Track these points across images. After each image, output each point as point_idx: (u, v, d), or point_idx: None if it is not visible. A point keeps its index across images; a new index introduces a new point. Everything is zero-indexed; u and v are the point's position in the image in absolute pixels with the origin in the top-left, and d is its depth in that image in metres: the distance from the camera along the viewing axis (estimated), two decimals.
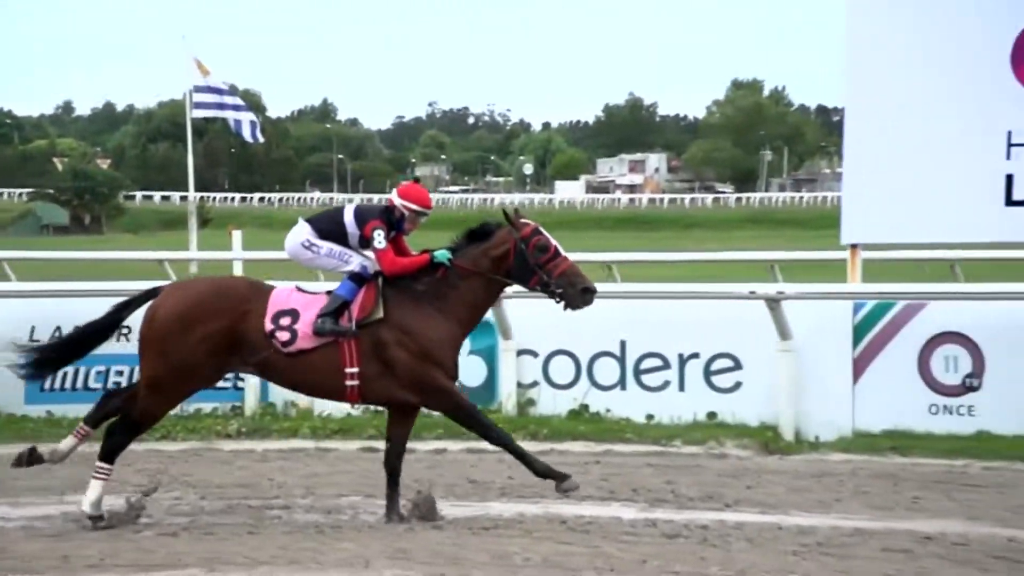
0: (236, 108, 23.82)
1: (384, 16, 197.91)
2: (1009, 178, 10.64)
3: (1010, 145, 10.61)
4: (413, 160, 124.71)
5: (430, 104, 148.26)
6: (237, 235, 20.11)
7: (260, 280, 8.53)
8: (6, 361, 8.64)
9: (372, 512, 8.15)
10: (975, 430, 10.28)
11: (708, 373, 11.13)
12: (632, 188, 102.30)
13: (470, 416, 8.25)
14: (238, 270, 18.05)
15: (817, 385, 10.58)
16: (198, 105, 23.65)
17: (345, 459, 10.02)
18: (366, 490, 8.69)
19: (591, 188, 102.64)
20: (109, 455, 7.96)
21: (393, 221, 8.23)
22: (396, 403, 8.23)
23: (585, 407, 11.20)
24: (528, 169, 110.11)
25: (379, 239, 8.05)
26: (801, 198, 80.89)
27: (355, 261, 8.19)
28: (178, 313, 7.91)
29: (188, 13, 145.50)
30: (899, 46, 11.04)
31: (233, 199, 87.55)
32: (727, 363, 11.03)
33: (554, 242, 8.09)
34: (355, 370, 8.01)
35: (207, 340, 7.86)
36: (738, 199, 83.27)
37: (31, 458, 8.09)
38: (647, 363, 11.14)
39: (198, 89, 23.41)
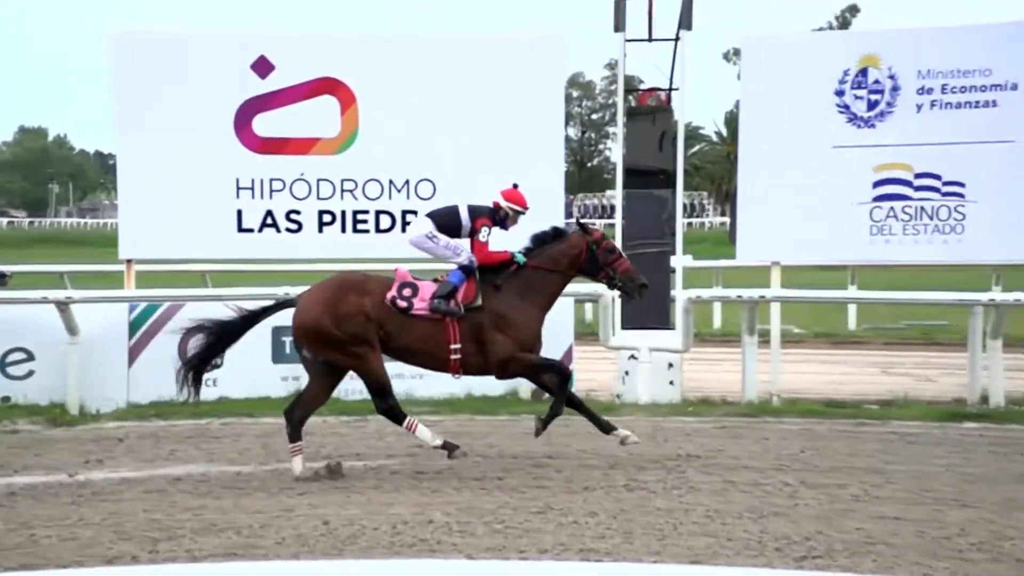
0: None
1: None
2: (239, 212, 11.11)
3: (238, 188, 11.08)
4: None
5: None
6: None
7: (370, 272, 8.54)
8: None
9: None
10: (218, 396, 10.65)
11: (4, 364, 10.66)
12: None
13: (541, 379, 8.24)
14: None
15: (100, 370, 10.52)
16: None
17: None
18: None
19: None
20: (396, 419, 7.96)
21: (498, 219, 8.15)
22: (488, 374, 8.14)
23: None
24: None
25: (484, 234, 8.05)
26: (87, 223, 77.99)
27: (464, 255, 8.04)
28: (322, 310, 7.76)
29: None
30: (162, 110, 11.10)
31: None
32: (21, 356, 10.66)
33: (618, 246, 7.73)
34: (458, 346, 7.81)
35: (350, 320, 7.71)
36: (31, 223, 78.45)
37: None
38: None
39: None
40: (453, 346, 7.87)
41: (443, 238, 8.14)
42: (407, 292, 7.88)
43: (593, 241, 8.17)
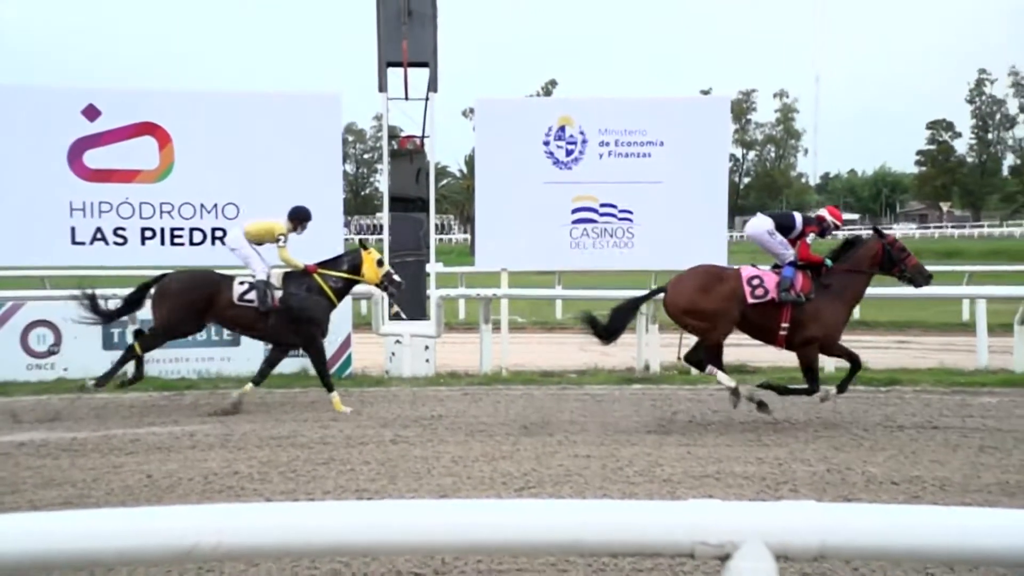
0: None
1: None
2: (72, 228, 10.44)
3: (72, 209, 10.39)
4: None
5: None
6: None
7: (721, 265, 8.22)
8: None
9: None
10: (56, 377, 10.11)
11: None
12: None
13: (813, 366, 7.83)
14: None
15: None
16: None
17: None
18: None
19: None
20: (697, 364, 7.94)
21: (822, 228, 7.96)
22: (795, 349, 7.80)
23: None
24: None
25: (811, 238, 7.86)
26: None
27: (789, 255, 7.85)
28: (695, 291, 7.70)
29: None
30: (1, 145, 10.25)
31: None
32: None
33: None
34: (786, 325, 7.67)
35: (719, 299, 7.63)
36: None
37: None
38: None
39: None
40: (783, 324, 7.73)
41: (779, 236, 7.96)
42: (756, 282, 7.74)
43: (888, 243, 7.89)
